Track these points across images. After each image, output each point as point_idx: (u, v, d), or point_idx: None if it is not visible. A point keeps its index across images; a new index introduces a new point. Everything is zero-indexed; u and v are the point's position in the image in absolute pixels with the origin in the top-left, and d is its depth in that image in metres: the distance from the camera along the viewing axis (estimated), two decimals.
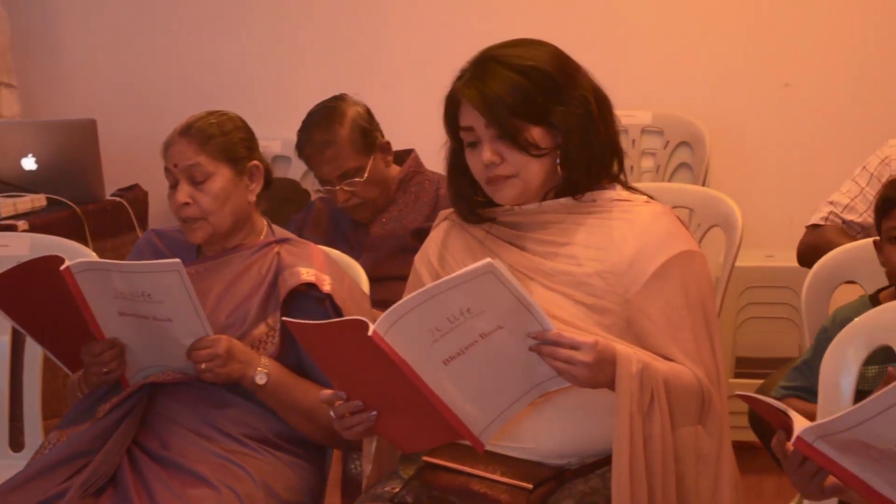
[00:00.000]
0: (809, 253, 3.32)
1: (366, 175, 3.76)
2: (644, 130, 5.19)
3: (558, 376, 2.29)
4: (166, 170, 2.94)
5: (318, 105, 3.85)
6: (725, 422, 2.48)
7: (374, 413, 2.37)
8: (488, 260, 2.16)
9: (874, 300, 2.99)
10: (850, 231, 3.70)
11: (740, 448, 2.77)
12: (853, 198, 3.72)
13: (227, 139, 2.93)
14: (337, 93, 3.89)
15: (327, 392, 2.41)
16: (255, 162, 2.98)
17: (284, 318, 2.42)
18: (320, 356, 2.43)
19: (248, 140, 2.99)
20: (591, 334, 2.32)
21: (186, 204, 2.89)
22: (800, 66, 5.15)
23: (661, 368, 2.37)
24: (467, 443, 2.36)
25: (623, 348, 2.34)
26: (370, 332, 2.19)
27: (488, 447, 2.39)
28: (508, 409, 2.34)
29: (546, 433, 2.47)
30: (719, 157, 5.08)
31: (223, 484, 2.67)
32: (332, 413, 2.41)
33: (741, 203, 3.46)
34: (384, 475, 2.62)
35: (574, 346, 2.25)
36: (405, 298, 2.20)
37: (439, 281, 2.20)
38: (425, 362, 2.23)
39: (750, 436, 3.43)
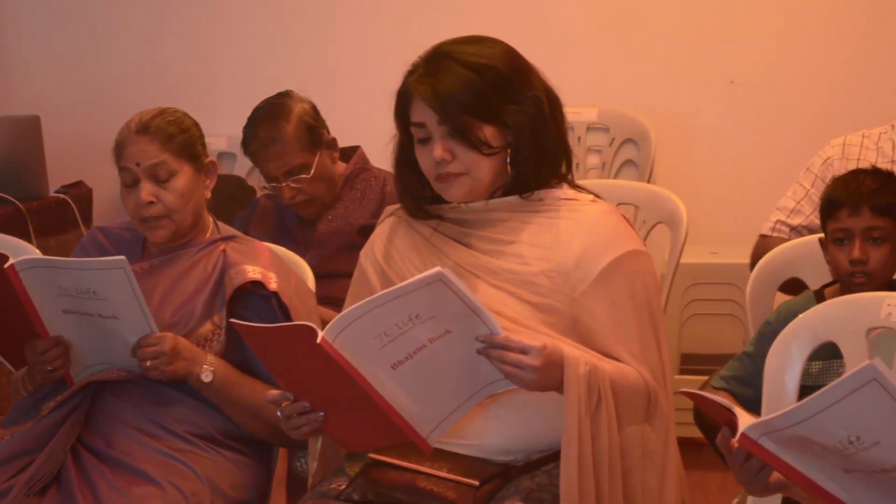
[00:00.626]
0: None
1: (312, 172, 3.75)
2: (590, 127, 5.19)
3: (505, 378, 2.30)
4: (123, 169, 2.89)
5: (263, 102, 3.84)
6: (671, 419, 2.48)
7: (322, 414, 2.36)
8: (438, 269, 2.15)
9: (819, 296, 3.01)
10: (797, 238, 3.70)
11: (685, 444, 2.78)
12: (798, 201, 3.72)
13: (187, 136, 2.91)
14: (283, 89, 3.88)
15: (274, 392, 2.40)
16: (210, 159, 2.97)
17: (232, 321, 2.40)
18: (268, 358, 2.42)
19: (202, 137, 2.98)
20: (540, 337, 2.32)
21: (151, 203, 2.87)
22: (745, 62, 5.17)
23: (607, 369, 2.38)
24: None
25: (571, 350, 2.34)
26: (319, 339, 2.18)
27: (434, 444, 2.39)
28: (455, 411, 2.34)
29: (492, 430, 2.47)
30: (664, 153, 5.09)
31: (168, 482, 2.66)
32: (279, 413, 2.40)
33: (686, 200, 3.47)
34: (330, 472, 2.62)
35: (523, 350, 2.25)
36: (354, 306, 2.19)
37: (389, 289, 2.19)
38: (373, 367, 2.23)
39: (695, 432, 3.45)
